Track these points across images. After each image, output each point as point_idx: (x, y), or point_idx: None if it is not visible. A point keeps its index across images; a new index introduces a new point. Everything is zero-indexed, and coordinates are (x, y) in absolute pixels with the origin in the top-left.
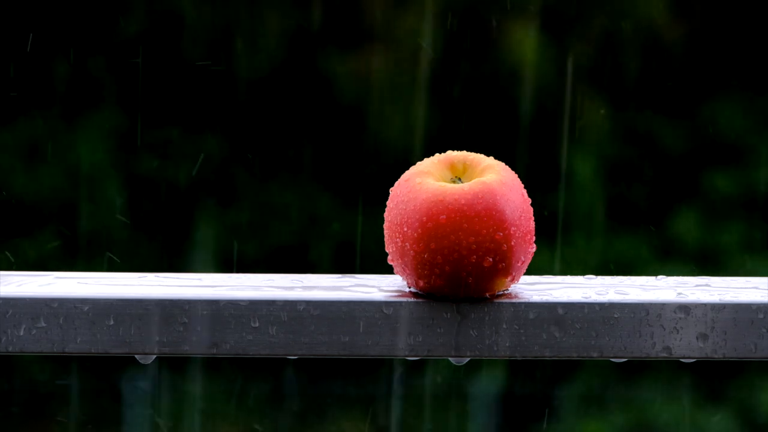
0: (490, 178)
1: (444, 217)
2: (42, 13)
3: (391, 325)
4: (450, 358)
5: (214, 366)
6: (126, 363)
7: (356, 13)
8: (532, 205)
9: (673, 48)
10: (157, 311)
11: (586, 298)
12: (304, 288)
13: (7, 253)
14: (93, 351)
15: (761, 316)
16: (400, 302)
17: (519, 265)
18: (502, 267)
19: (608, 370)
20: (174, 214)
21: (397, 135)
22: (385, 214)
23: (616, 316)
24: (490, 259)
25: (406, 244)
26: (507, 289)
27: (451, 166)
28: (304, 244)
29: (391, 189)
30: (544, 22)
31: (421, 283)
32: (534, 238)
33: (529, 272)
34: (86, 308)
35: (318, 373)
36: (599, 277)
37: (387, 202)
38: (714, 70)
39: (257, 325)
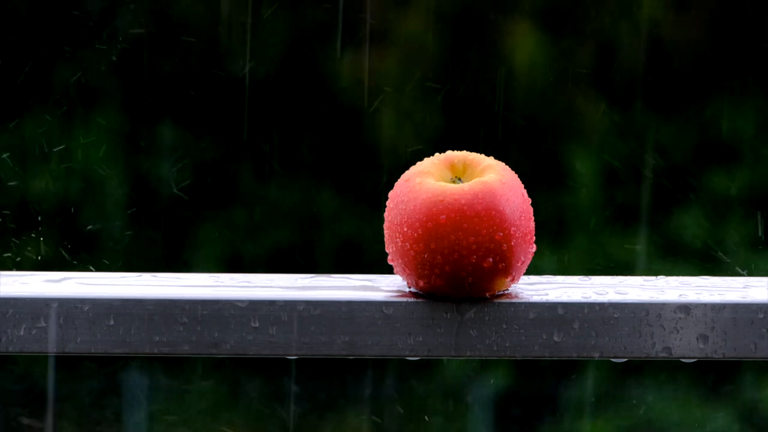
0: (490, 178)
1: (444, 217)
2: (44, 12)
3: (391, 325)
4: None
5: (213, 366)
6: (126, 363)
7: (356, 13)
8: (532, 205)
9: (673, 48)
10: (157, 311)
11: (586, 298)
12: (304, 288)
13: (7, 253)
14: (93, 351)
15: (761, 316)
16: (400, 302)
17: (519, 265)
18: (502, 267)
19: (609, 370)
20: (174, 214)
21: (398, 135)
22: (385, 214)
23: (616, 316)
24: (490, 260)
25: (406, 244)
26: (507, 289)
27: (451, 166)
28: (305, 244)
29: (390, 189)
30: (545, 22)
31: (421, 283)
32: (534, 238)
33: (529, 272)
34: (86, 308)
35: (318, 373)
36: (599, 277)
37: (387, 202)
38: (715, 69)
39: (257, 325)
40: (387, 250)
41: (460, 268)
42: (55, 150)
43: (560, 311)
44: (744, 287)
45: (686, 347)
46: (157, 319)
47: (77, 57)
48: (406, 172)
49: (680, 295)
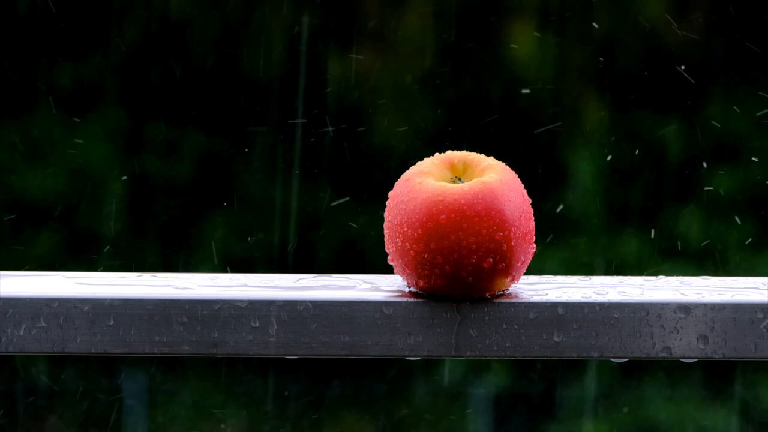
0: (490, 178)
1: (444, 217)
2: (45, 12)
3: (391, 325)
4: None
5: (213, 366)
6: (126, 363)
7: (357, 12)
8: (532, 205)
9: (673, 47)
10: (157, 311)
11: (586, 298)
12: (304, 288)
13: (7, 252)
14: (93, 351)
15: (761, 316)
16: (400, 302)
17: (519, 265)
18: (502, 267)
19: (609, 370)
20: (175, 214)
21: (397, 135)
22: (385, 214)
23: (616, 316)
24: (490, 260)
25: (406, 244)
26: (507, 289)
27: (451, 166)
28: (305, 244)
29: (390, 189)
30: (545, 22)
31: (421, 283)
32: (534, 238)
33: (529, 272)
34: (86, 308)
35: (318, 373)
36: (599, 277)
37: (387, 202)
38: (715, 69)
39: (257, 325)
40: (387, 250)
41: (460, 268)
42: (55, 149)
43: (560, 311)
44: (744, 287)
45: (686, 347)
46: (157, 319)
47: (79, 57)
48: (406, 172)
49: (680, 295)
